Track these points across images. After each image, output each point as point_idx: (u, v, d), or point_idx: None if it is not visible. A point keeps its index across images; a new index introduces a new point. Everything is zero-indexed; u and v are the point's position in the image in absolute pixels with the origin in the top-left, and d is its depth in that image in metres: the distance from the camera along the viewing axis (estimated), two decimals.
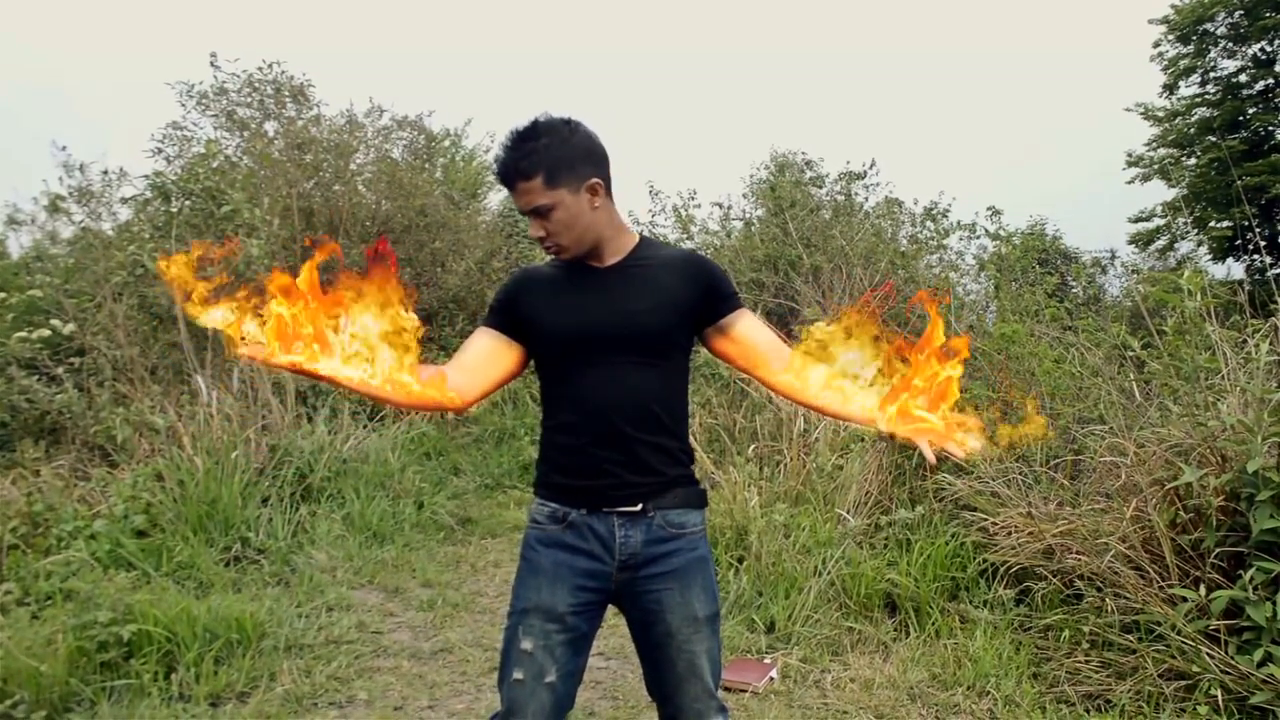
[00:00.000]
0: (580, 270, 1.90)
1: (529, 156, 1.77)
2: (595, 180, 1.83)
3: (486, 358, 1.89)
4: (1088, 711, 3.09)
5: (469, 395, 1.84)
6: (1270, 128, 15.68)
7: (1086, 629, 3.36)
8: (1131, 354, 4.30)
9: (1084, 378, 4.72)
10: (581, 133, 1.85)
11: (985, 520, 4.03)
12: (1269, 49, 15.79)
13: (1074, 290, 9.95)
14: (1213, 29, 15.98)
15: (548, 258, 1.95)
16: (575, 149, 1.82)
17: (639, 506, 1.85)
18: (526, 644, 1.83)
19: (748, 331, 1.90)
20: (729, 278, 1.96)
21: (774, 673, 3.43)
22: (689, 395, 1.99)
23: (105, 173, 6.62)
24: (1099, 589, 3.44)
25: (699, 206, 9.63)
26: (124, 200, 6.66)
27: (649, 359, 1.86)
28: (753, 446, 5.41)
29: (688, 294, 1.88)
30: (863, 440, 5.00)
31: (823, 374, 1.76)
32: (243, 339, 1.59)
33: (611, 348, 1.84)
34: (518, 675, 1.83)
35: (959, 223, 7.62)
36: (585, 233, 1.84)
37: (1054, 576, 3.65)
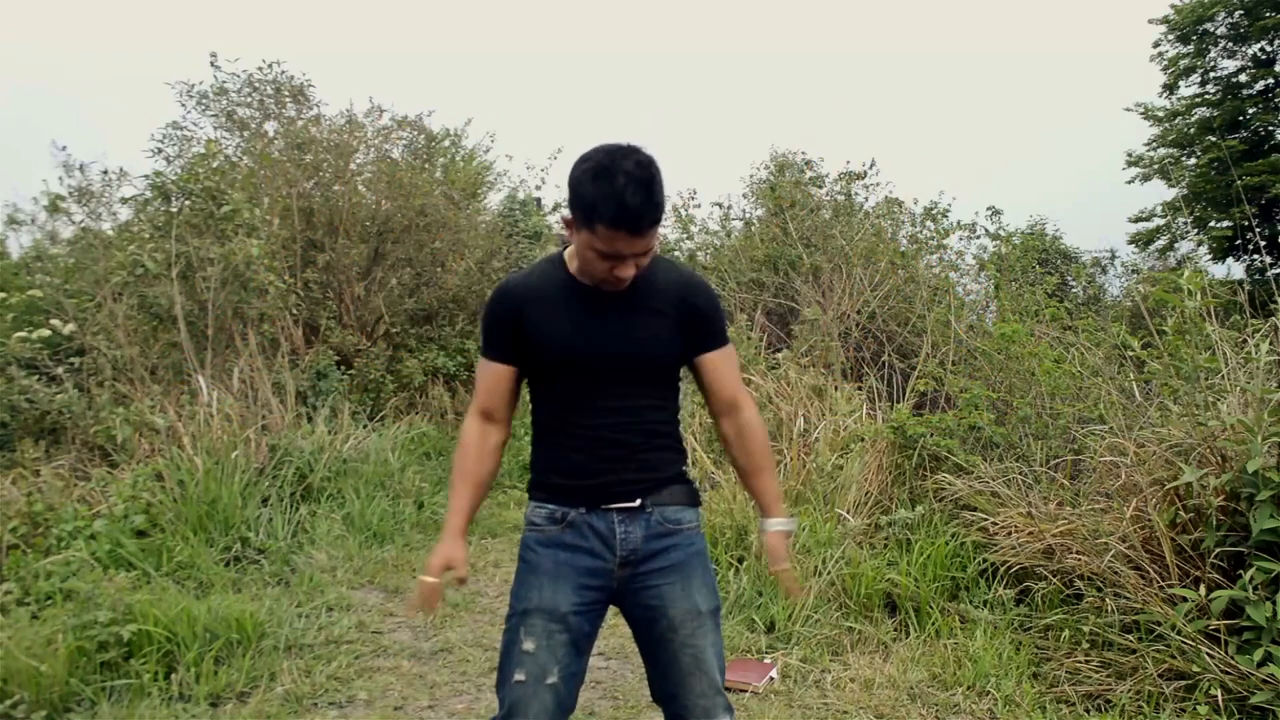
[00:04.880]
0: (580, 289, 1.87)
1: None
2: None
3: (504, 391, 1.95)
4: (1088, 711, 3.09)
5: (507, 429, 1.99)
6: (1270, 128, 15.68)
7: (1086, 629, 3.36)
8: (1131, 354, 4.30)
9: (1084, 378, 4.72)
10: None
11: (985, 520, 4.03)
12: (1269, 49, 15.79)
13: (1074, 290, 9.96)
14: (1213, 29, 15.98)
15: (529, 261, 1.97)
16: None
17: (637, 503, 1.88)
18: (529, 644, 1.83)
19: (713, 373, 1.97)
20: (723, 311, 2.03)
21: (774, 672, 3.43)
22: (678, 404, 2.04)
23: (105, 173, 6.63)
24: (1099, 589, 3.44)
25: (699, 206, 9.64)
26: (124, 200, 6.67)
27: (653, 380, 1.92)
28: None
29: (682, 321, 1.91)
30: (863, 440, 5.01)
31: (744, 465, 2.04)
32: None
33: (618, 372, 1.87)
34: (519, 676, 1.82)
35: (959, 223, 7.61)
36: None
37: (1054, 576, 3.65)
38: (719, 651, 1.94)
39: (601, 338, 1.86)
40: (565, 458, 1.90)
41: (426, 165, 9.37)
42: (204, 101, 8.46)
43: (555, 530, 1.88)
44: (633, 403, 1.89)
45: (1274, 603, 2.91)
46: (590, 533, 1.86)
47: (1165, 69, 16.88)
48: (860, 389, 5.90)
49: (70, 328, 5.72)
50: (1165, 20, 16.46)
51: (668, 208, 1.87)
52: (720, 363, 1.97)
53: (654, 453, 1.91)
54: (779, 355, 6.36)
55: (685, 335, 1.92)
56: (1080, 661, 3.31)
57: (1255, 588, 2.96)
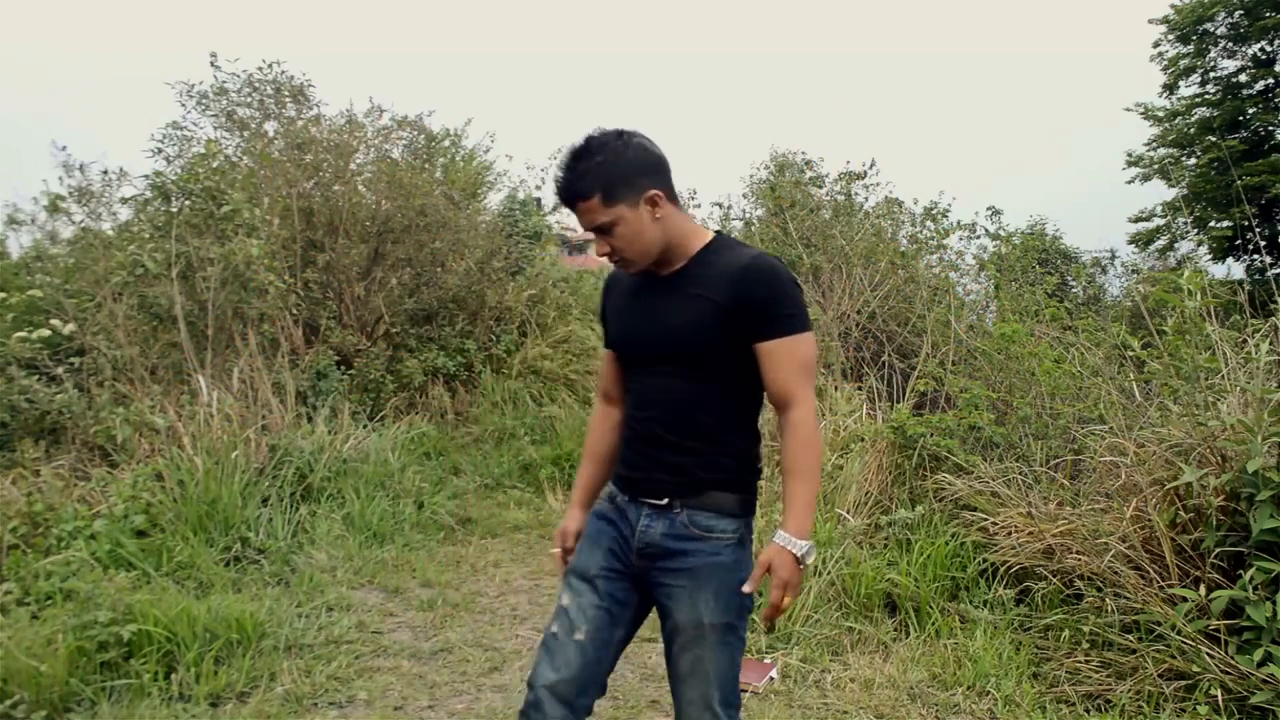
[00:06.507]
0: (647, 277, 1.96)
1: (585, 176, 1.80)
2: (654, 191, 1.84)
3: (612, 373, 2.11)
4: (1088, 711, 3.09)
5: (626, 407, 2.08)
6: (1270, 128, 15.70)
7: (1086, 629, 3.36)
8: (1131, 354, 4.30)
9: (1084, 378, 4.72)
10: (635, 144, 1.85)
11: (985, 520, 4.03)
12: (1269, 49, 15.80)
13: (1074, 290, 9.96)
14: (1213, 29, 15.99)
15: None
16: (630, 162, 1.82)
17: (665, 501, 1.91)
18: (565, 600, 1.98)
19: (765, 363, 1.85)
20: (790, 302, 1.85)
21: (774, 672, 3.43)
22: (744, 401, 1.92)
23: (105, 173, 6.61)
24: (1099, 589, 3.44)
25: (699, 206, 9.60)
26: (124, 200, 6.65)
27: (686, 368, 1.88)
28: None
29: (729, 307, 1.83)
30: (863, 440, 5.01)
31: (783, 465, 1.89)
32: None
33: (651, 357, 1.94)
34: (554, 629, 1.96)
35: (959, 223, 7.60)
36: (650, 245, 1.87)
37: (1054, 576, 3.65)
38: (721, 668, 1.88)
39: (642, 324, 1.95)
40: (623, 446, 2.03)
41: (426, 165, 9.35)
42: (204, 101, 8.43)
43: (608, 507, 2.03)
44: (673, 396, 1.89)
45: (1274, 603, 2.91)
46: (625, 518, 1.97)
47: (1165, 69, 16.91)
48: (860, 389, 5.89)
49: (70, 328, 5.71)
50: (1165, 20, 16.47)
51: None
52: (774, 352, 1.83)
53: (689, 455, 1.88)
54: None
55: (735, 323, 1.83)
56: (1080, 661, 3.31)
57: (1255, 588, 2.97)
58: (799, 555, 1.80)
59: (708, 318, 1.84)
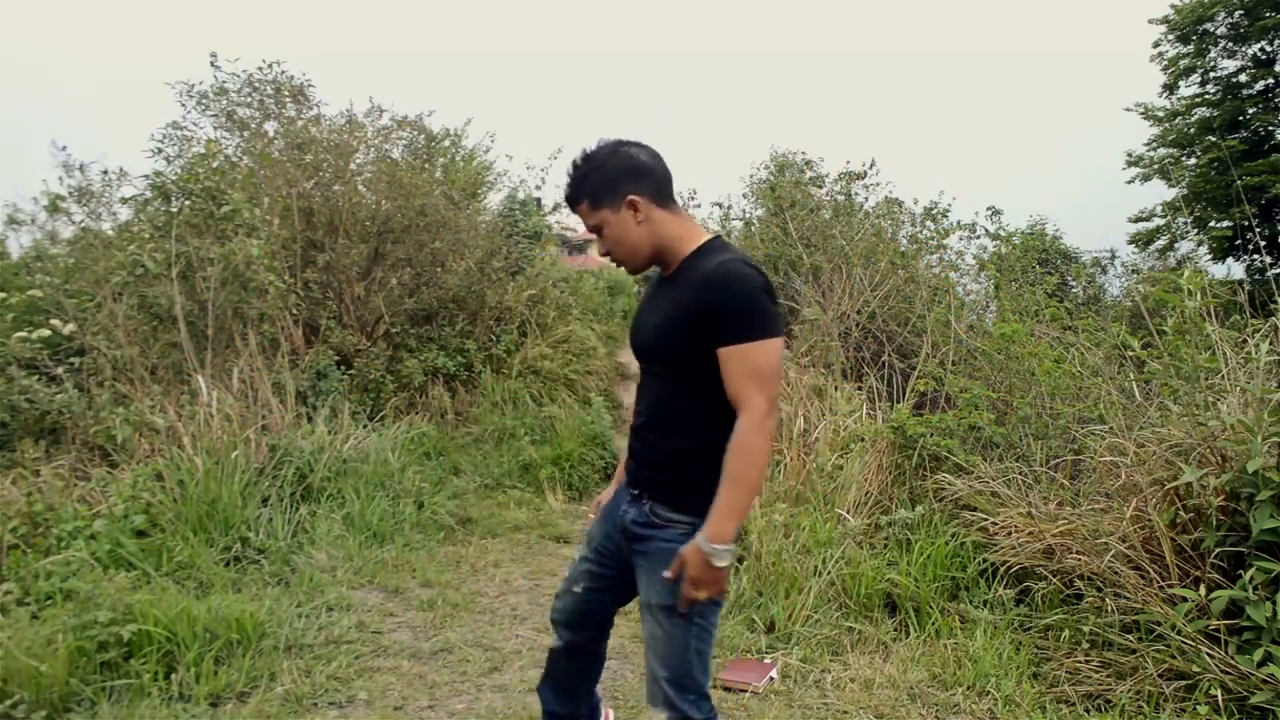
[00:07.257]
0: (659, 279, 2.13)
1: (576, 184, 2.02)
2: (633, 197, 1.98)
3: None
4: (1088, 711, 3.09)
5: None
6: (1270, 128, 15.69)
7: (1086, 629, 3.36)
8: (1131, 354, 4.31)
9: (1084, 378, 4.72)
10: (623, 153, 2.00)
11: (985, 520, 4.03)
12: (1269, 49, 15.80)
13: (1074, 290, 9.96)
14: (1213, 29, 15.99)
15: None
16: (613, 170, 1.98)
17: (638, 492, 2.10)
18: (575, 555, 2.33)
19: (721, 368, 1.90)
20: (747, 309, 1.88)
21: (774, 672, 3.43)
22: (715, 404, 1.93)
23: (105, 173, 6.61)
24: (1099, 589, 3.44)
25: (699, 206, 9.60)
26: (124, 200, 6.64)
27: (663, 369, 2.05)
28: None
29: (696, 311, 1.92)
30: (863, 440, 5.01)
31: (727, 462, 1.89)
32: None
33: (641, 357, 2.13)
34: (566, 574, 2.34)
35: (959, 223, 7.60)
36: (636, 247, 2.02)
37: (1054, 576, 3.65)
38: (671, 649, 2.00)
39: (637, 325, 2.13)
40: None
41: (426, 165, 9.34)
42: (204, 101, 8.43)
43: (621, 489, 2.25)
44: (654, 395, 2.08)
45: (1274, 603, 2.91)
46: (620, 502, 2.19)
47: (1165, 69, 16.91)
48: (860, 389, 5.90)
49: (70, 328, 5.71)
50: (1165, 20, 16.48)
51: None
52: (729, 358, 1.88)
53: (661, 451, 2.05)
54: None
55: (700, 328, 1.90)
56: (1080, 661, 3.31)
57: (1255, 588, 2.97)
58: (708, 556, 1.87)
59: (678, 322, 1.95)
